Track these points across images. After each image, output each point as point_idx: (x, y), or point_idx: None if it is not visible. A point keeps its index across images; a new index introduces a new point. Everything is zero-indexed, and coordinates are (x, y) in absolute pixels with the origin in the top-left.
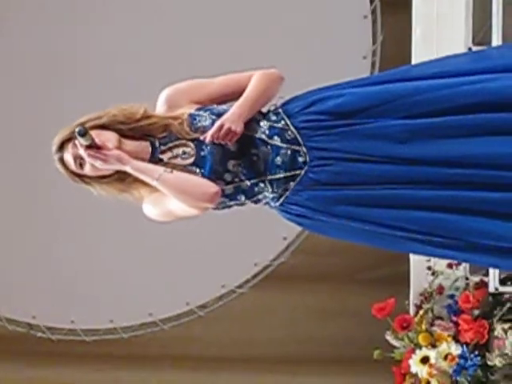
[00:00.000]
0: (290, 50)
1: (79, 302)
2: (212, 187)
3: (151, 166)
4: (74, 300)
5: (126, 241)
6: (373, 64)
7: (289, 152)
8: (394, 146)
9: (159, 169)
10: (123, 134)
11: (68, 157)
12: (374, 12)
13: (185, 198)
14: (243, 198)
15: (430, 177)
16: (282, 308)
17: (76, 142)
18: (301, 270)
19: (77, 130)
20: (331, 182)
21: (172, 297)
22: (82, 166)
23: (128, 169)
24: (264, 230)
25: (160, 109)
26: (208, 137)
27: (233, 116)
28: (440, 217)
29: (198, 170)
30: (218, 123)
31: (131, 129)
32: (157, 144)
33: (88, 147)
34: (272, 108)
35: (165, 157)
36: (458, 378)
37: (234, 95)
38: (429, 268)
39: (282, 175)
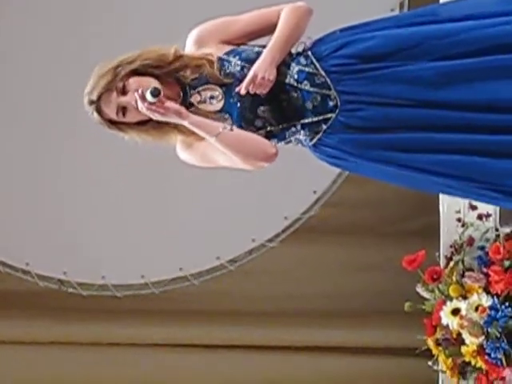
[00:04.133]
0: (316, 3)
1: (110, 258)
2: (271, 147)
3: (210, 122)
4: (105, 256)
5: (154, 195)
6: None
7: (319, 97)
8: (426, 89)
9: (219, 125)
10: (156, 78)
11: (107, 106)
12: None
13: (243, 157)
14: (275, 141)
15: (464, 120)
16: (312, 261)
17: (136, 94)
18: (330, 224)
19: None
20: (362, 127)
21: (202, 251)
22: (124, 114)
23: (186, 123)
24: (293, 184)
25: (189, 50)
26: (242, 89)
27: (265, 64)
28: (475, 160)
29: (227, 116)
30: (250, 74)
31: (165, 73)
32: (187, 88)
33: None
34: (300, 49)
35: (194, 100)
36: (489, 330)
37: (262, 32)
38: (459, 220)
39: (313, 119)
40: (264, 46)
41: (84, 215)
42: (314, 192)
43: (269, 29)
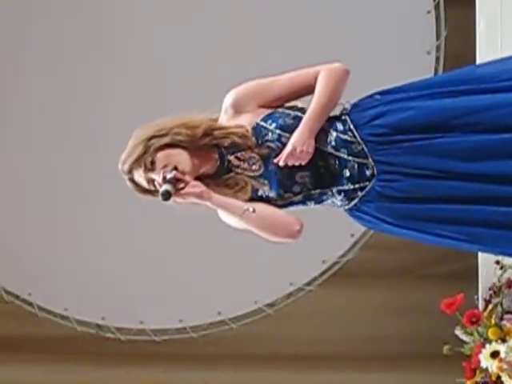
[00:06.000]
0: (354, 46)
1: (148, 303)
2: (295, 225)
3: (232, 202)
4: (143, 300)
5: (191, 240)
6: (437, 59)
7: (356, 165)
8: (460, 163)
9: (241, 205)
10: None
11: (139, 177)
12: (437, 7)
13: (267, 235)
14: (312, 203)
15: (498, 193)
16: (350, 305)
17: (156, 182)
18: (368, 267)
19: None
20: (398, 197)
21: (240, 295)
22: (154, 185)
23: (209, 204)
24: (331, 228)
25: (225, 114)
26: (281, 162)
27: (303, 136)
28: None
29: (266, 182)
30: (289, 148)
31: (194, 147)
32: (224, 152)
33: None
34: (338, 113)
35: (233, 166)
36: None
37: (299, 94)
38: (497, 262)
39: (350, 187)
40: (301, 110)
41: (122, 261)
42: (352, 235)
43: (306, 91)
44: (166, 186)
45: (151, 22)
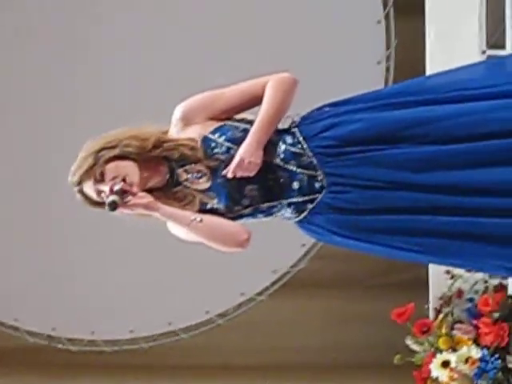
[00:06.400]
0: (304, 56)
1: (99, 313)
2: (243, 234)
3: (180, 213)
4: (94, 311)
5: (142, 251)
6: (387, 69)
7: (305, 177)
8: (408, 173)
9: (188, 215)
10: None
11: (89, 189)
12: (387, 17)
13: (215, 245)
14: (261, 216)
15: (446, 204)
16: (302, 315)
17: (103, 194)
18: (319, 277)
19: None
20: (348, 208)
21: (191, 306)
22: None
23: (157, 215)
24: (282, 237)
25: (174, 127)
26: (229, 173)
27: (251, 147)
28: (461, 244)
29: (214, 195)
30: (237, 159)
31: (144, 159)
32: (174, 165)
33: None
34: (287, 125)
35: (182, 179)
36: (479, 382)
37: (248, 105)
38: (447, 272)
39: (299, 199)
40: (250, 122)
41: (73, 271)
42: (303, 245)
43: (255, 102)
44: (112, 197)
45: (151, 22)
